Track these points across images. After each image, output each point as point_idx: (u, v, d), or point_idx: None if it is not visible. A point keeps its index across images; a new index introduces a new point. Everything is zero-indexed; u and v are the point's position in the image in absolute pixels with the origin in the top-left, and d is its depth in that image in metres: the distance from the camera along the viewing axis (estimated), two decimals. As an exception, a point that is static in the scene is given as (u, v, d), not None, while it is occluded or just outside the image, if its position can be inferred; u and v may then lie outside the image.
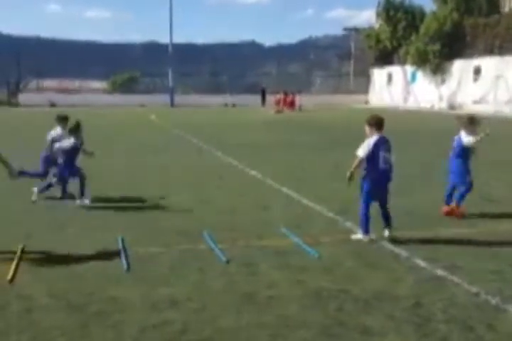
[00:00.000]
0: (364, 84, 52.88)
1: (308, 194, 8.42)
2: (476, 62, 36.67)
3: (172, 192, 8.66)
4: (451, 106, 38.34)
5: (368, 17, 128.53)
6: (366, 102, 50.35)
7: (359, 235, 6.00)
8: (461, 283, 4.71)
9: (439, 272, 4.96)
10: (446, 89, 39.96)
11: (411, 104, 43.19)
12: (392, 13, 45.70)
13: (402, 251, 5.58)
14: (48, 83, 53.29)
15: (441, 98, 40.18)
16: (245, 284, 4.62)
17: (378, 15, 47.74)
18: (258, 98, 43.66)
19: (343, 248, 5.72)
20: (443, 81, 40.34)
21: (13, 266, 4.95)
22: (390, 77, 48.12)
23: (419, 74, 43.10)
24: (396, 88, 46.79)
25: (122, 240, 5.76)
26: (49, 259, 5.25)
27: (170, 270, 4.94)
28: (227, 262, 5.18)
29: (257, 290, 4.48)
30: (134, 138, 17.92)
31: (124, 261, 5.09)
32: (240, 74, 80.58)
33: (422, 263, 5.20)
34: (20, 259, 5.19)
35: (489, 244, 5.87)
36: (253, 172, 10.65)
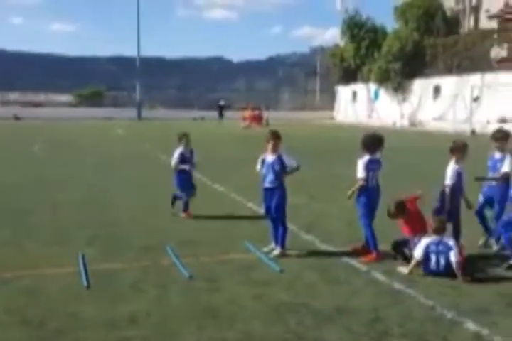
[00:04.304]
0: (330, 101, 53.84)
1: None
2: (436, 81, 37.82)
3: (135, 207, 8.61)
4: (412, 124, 39.35)
5: (332, 35, 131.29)
6: (331, 118, 51.20)
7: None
8: (417, 296, 4.83)
9: (397, 285, 5.08)
10: (407, 107, 41.03)
11: (374, 120, 44.12)
12: (355, 31, 46.86)
13: (361, 265, 5.69)
14: (13, 96, 52.33)
15: (402, 115, 41.21)
16: (207, 300, 4.63)
17: (343, 33, 48.87)
18: (227, 113, 43.65)
19: (305, 262, 5.80)
20: (404, 99, 41.43)
21: (-32, 283, 4.83)
22: (354, 95, 49.14)
23: (382, 92, 44.18)
24: (360, 105, 47.77)
25: (83, 257, 5.68)
26: (5, 274, 5.15)
27: (131, 286, 4.91)
28: (190, 277, 5.18)
29: (219, 306, 4.49)
30: (99, 152, 17.71)
31: (84, 278, 5.03)
32: (208, 90, 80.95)
33: (380, 277, 5.32)
34: (-24, 276, 5.07)
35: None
36: (219, 187, 10.68)
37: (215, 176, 12.11)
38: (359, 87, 47.88)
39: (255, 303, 4.58)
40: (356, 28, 47.41)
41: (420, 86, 39.53)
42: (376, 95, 45.43)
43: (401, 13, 43.12)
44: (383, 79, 42.27)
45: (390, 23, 52.73)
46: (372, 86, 45.09)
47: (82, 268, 5.31)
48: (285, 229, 6.07)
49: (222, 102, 44.47)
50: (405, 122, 40.47)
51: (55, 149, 18.62)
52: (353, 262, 5.81)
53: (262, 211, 8.25)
